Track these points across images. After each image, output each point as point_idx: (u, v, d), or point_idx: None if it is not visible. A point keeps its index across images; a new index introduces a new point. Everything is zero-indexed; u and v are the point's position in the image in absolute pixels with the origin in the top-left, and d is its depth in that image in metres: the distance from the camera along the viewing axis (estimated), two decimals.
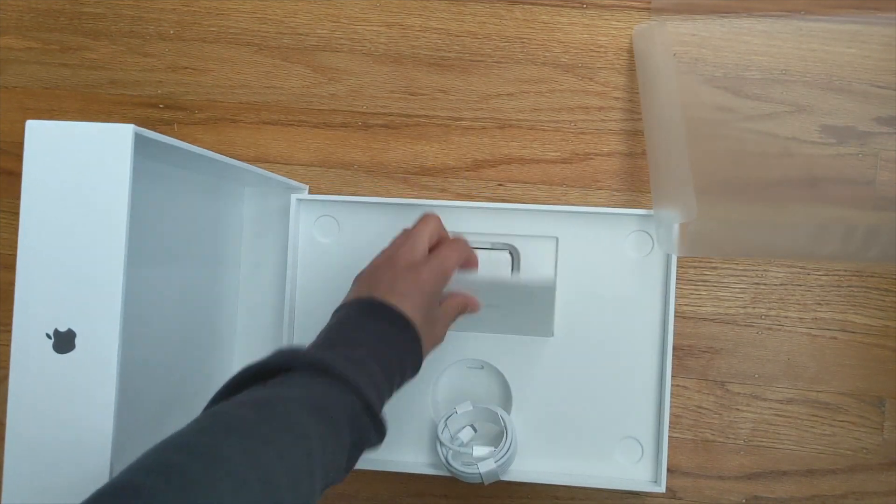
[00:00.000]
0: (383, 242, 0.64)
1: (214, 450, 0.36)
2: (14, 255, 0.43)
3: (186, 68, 0.71)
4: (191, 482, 0.34)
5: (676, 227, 0.57)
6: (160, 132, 0.70)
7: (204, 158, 0.52)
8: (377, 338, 0.50)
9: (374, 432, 0.47)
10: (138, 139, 0.42)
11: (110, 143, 0.42)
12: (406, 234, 0.56)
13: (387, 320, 0.50)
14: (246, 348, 0.70)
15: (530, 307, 0.61)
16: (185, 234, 0.61)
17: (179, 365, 0.61)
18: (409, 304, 0.51)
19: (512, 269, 0.65)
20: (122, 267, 0.41)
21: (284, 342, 0.65)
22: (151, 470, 0.35)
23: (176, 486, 0.34)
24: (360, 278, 0.56)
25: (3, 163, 0.73)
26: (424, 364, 0.53)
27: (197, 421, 0.40)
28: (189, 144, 0.49)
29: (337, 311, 0.53)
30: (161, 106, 0.71)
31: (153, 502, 0.33)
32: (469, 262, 0.58)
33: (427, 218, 0.57)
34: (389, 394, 0.50)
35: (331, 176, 0.70)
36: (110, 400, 0.41)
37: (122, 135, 0.41)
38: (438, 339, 0.55)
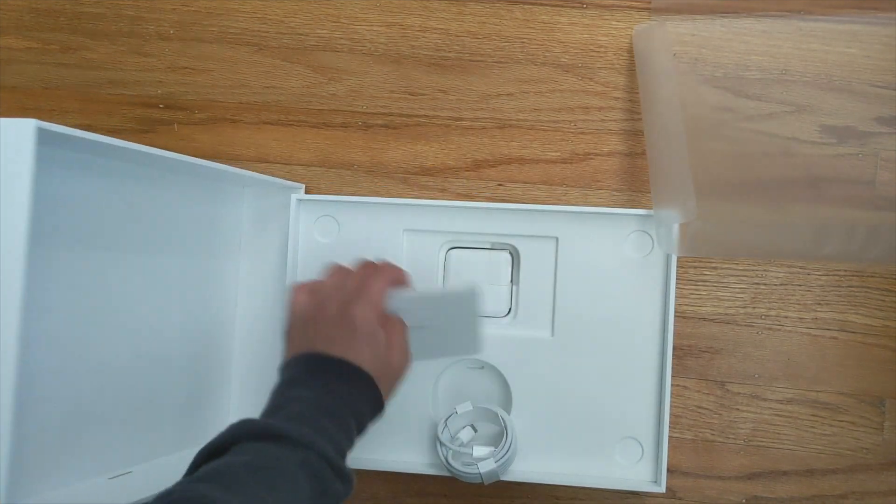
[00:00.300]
0: (382, 242, 0.65)
1: None
2: None
3: (186, 68, 0.71)
4: None
5: (676, 227, 0.57)
6: (160, 132, 0.71)
7: (149, 156, 0.53)
8: (324, 391, 0.49)
9: (338, 482, 0.47)
10: (42, 134, 0.42)
11: (14, 138, 0.42)
12: (334, 274, 0.56)
13: (331, 372, 0.50)
14: (246, 347, 0.70)
15: (458, 320, 0.58)
16: (167, 233, 0.61)
17: (160, 360, 0.61)
18: (352, 350, 0.51)
19: (512, 270, 0.65)
20: (23, 261, 0.42)
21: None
22: None
23: None
24: (293, 333, 0.55)
25: None
26: (424, 366, 0.53)
27: (162, 497, 0.40)
28: (110, 139, 0.49)
29: (280, 369, 0.53)
30: (161, 106, 0.71)
31: None
32: (399, 281, 0.56)
33: (364, 264, 0.57)
34: (349, 441, 0.49)
35: (331, 176, 0.70)
36: (8, 395, 0.42)
37: (24, 129, 0.42)
38: (403, 364, 0.54)
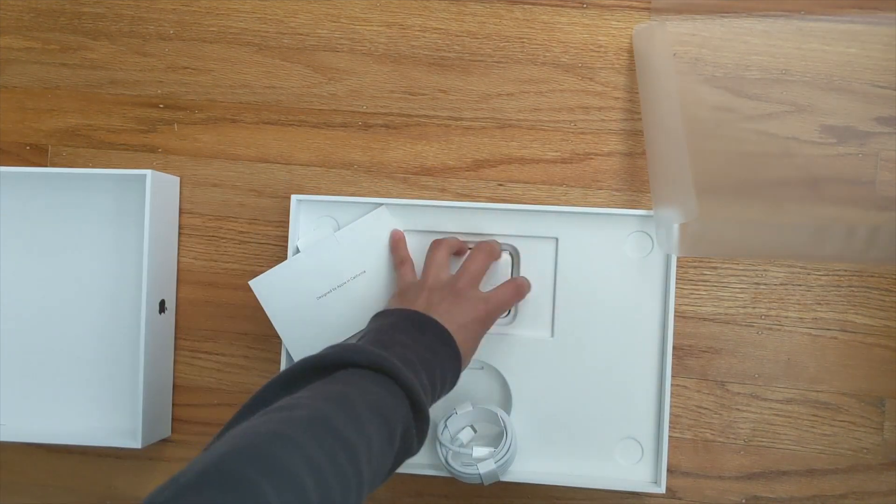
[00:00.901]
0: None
1: (302, 444, 0.38)
2: None
3: (186, 68, 0.71)
4: (282, 472, 0.36)
5: (676, 227, 0.57)
6: (160, 132, 0.71)
7: None
8: (427, 349, 0.51)
9: (417, 439, 0.49)
10: None
11: None
12: (440, 249, 0.60)
13: (435, 335, 0.52)
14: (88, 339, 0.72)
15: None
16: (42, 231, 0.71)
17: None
18: (454, 325, 0.54)
19: (512, 270, 0.65)
20: None
21: (283, 361, 0.65)
22: (250, 459, 0.36)
23: (267, 476, 0.35)
24: (399, 294, 0.59)
25: (3, 162, 0.73)
26: None
27: (277, 411, 0.41)
28: None
29: (381, 315, 0.55)
30: (161, 106, 0.71)
31: (250, 489, 0.34)
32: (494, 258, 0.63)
33: (482, 248, 0.61)
34: (431, 405, 0.51)
35: (331, 176, 0.70)
36: None
37: None
38: (468, 361, 0.57)
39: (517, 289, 0.61)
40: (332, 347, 0.48)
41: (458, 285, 0.57)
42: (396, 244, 0.64)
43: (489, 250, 0.61)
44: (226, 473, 0.35)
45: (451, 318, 0.54)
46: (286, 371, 0.46)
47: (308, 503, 0.36)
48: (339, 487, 0.38)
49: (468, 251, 0.63)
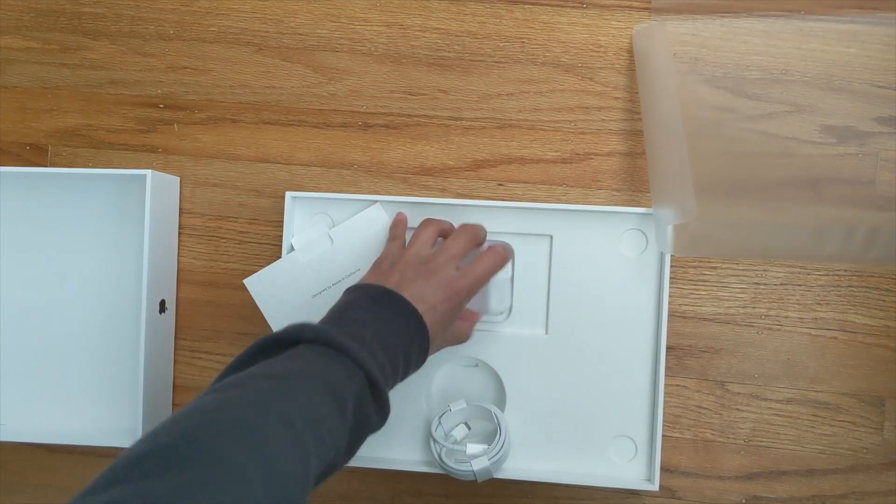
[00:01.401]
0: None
1: (240, 424, 0.39)
2: None
3: (186, 68, 0.71)
4: (218, 457, 0.36)
5: (676, 227, 0.57)
6: (160, 132, 0.71)
7: None
8: (384, 325, 0.51)
9: (376, 413, 0.49)
10: None
11: None
12: (427, 227, 0.59)
13: (394, 309, 0.52)
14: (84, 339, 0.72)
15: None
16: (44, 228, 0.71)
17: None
18: (424, 304, 0.53)
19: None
20: None
21: None
22: (181, 437, 0.37)
23: (203, 455, 0.36)
24: (374, 268, 0.58)
25: (3, 162, 0.73)
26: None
27: (221, 390, 0.42)
28: None
29: (349, 291, 0.55)
30: (161, 106, 0.71)
31: (181, 467, 0.35)
32: (479, 241, 0.61)
33: (465, 229, 0.60)
34: (394, 379, 0.51)
35: (331, 176, 0.70)
36: None
37: None
38: (461, 337, 0.58)
39: (495, 257, 0.58)
40: (287, 326, 0.49)
41: (434, 263, 0.56)
42: (397, 222, 0.63)
43: (472, 233, 0.60)
44: (171, 457, 0.35)
45: (423, 297, 0.53)
46: (245, 352, 0.47)
47: (247, 479, 0.36)
48: (290, 459, 0.39)
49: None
